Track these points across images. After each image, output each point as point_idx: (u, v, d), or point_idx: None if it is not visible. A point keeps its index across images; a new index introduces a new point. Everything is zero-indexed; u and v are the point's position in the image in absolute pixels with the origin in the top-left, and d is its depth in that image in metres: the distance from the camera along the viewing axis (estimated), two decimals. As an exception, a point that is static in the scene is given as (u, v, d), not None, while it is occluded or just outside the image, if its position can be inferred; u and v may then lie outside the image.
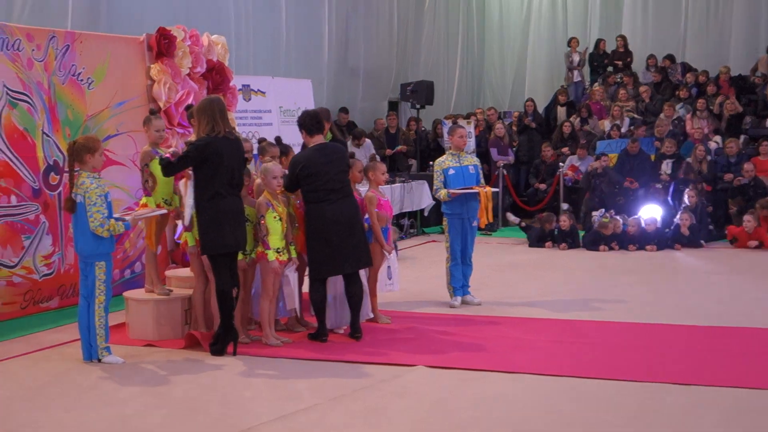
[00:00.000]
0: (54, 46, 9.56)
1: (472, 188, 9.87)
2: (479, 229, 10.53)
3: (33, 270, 9.25)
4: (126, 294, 8.81)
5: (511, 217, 16.54)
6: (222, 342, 7.89)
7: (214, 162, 7.72)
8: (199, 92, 11.06)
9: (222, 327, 7.90)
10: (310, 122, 8.51)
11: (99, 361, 7.60)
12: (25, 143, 9.25)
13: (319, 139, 8.52)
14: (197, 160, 7.76)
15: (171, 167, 7.96)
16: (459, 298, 10.08)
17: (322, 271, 8.38)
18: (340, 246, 8.29)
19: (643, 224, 14.41)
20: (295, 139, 12.18)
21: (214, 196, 7.74)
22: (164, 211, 8.32)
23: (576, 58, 21.89)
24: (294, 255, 8.34)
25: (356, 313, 8.53)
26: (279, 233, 8.11)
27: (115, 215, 7.67)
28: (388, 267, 9.15)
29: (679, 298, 10.46)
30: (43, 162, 9.44)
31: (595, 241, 14.32)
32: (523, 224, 15.70)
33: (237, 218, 7.83)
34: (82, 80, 9.89)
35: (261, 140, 9.02)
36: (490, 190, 10.04)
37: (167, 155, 7.95)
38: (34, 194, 9.30)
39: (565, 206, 16.30)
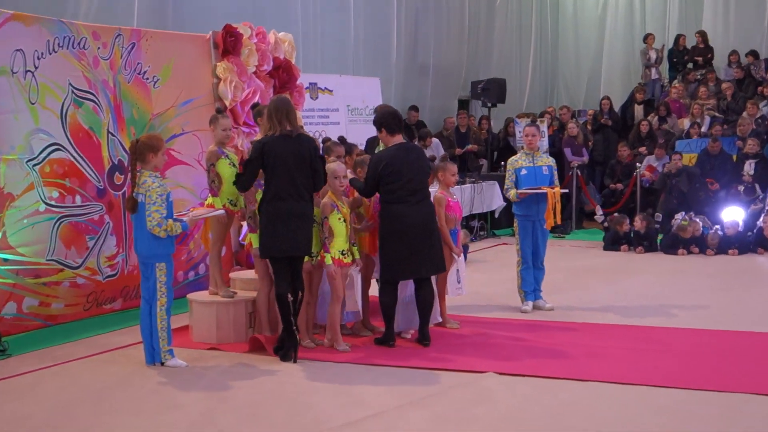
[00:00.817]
0: (120, 44, 9.65)
1: (540, 188, 9.76)
2: (551, 231, 10.41)
3: (97, 271, 9.35)
4: (190, 296, 8.86)
5: (599, 211, 16.33)
6: (286, 346, 7.89)
7: (270, 162, 7.74)
8: (266, 90, 11.09)
9: (283, 331, 7.91)
10: (391, 120, 8.42)
11: (162, 364, 7.64)
12: (90, 142, 9.35)
13: (399, 138, 8.44)
14: (259, 161, 7.79)
15: (241, 177, 8.05)
16: (530, 303, 9.97)
17: (397, 273, 8.33)
18: (418, 249, 8.23)
19: (720, 231, 14.13)
20: (361, 139, 12.20)
21: (273, 198, 7.77)
22: (221, 211, 8.32)
23: (653, 55, 21.57)
24: (357, 256, 8.32)
25: (425, 320, 8.47)
26: (343, 235, 8.09)
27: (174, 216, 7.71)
28: (457, 270, 9.08)
29: (762, 304, 10.23)
30: (108, 161, 9.54)
31: (674, 244, 14.09)
32: (606, 224, 15.50)
33: (297, 221, 7.77)
34: (147, 79, 9.98)
35: (325, 140, 9.02)
36: (558, 190, 9.89)
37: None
38: (99, 194, 9.40)
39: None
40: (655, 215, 15.46)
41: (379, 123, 8.48)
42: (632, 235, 14.52)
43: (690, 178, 15.73)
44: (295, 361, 7.79)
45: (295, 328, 7.80)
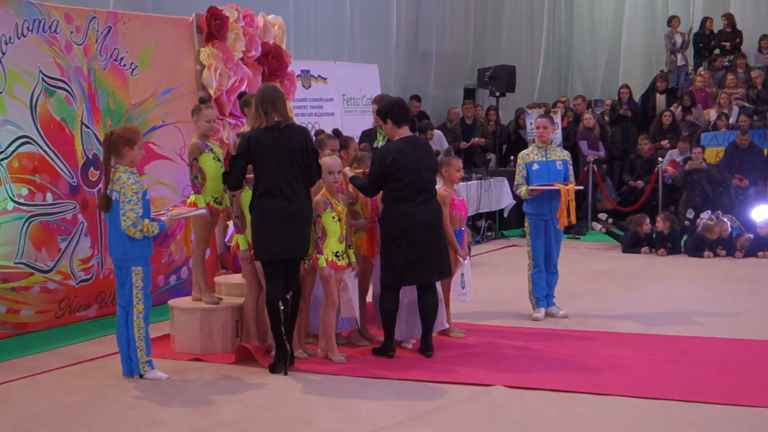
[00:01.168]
0: (95, 27, 9.64)
1: (553, 185, 9.74)
2: (565, 231, 10.39)
3: (69, 275, 9.33)
4: (171, 302, 8.85)
5: (597, 226, 16.32)
6: (276, 357, 7.88)
7: (258, 156, 7.74)
8: (254, 78, 11.08)
9: (274, 341, 7.91)
10: (398, 110, 8.38)
11: (140, 377, 7.63)
12: (62, 135, 9.34)
13: (406, 131, 8.42)
14: (246, 156, 7.79)
15: (228, 176, 8.06)
16: (542, 310, 9.96)
17: (401, 278, 8.30)
18: (424, 252, 8.21)
19: (751, 234, 14.12)
20: (357, 131, 12.18)
21: (262, 196, 7.77)
22: (203, 210, 8.31)
23: (678, 39, 21.57)
24: (353, 259, 8.31)
25: (429, 328, 8.45)
26: (337, 235, 8.07)
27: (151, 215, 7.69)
28: (462, 274, 9.07)
29: (796, 311, 10.25)
30: (82, 156, 9.52)
31: (699, 246, 14.08)
32: (610, 221, 15.50)
33: (289, 220, 7.75)
34: (125, 65, 9.97)
35: (318, 132, 8.98)
36: (573, 187, 9.87)
37: None
38: (72, 191, 9.38)
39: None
40: (687, 211, 15.41)
41: (384, 113, 8.45)
42: (654, 236, 14.49)
43: (711, 181, 15.71)
44: (285, 373, 7.78)
45: (285, 337, 7.79)
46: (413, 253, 8.18)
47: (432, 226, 8.29)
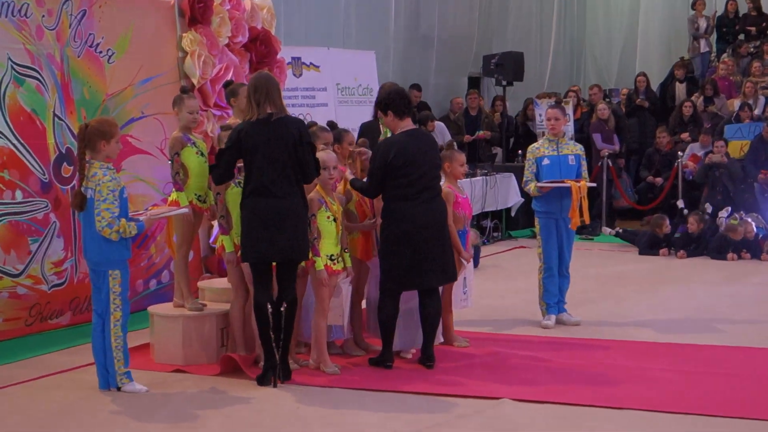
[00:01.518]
0: (68, 11, 9.62)
1: (563, 181, 9.72)
2: (577, 232, 10.36)
3: (41, 279, 9.31)
4: (151, 309, 8.84)
5: (607, 230, 16.33)
6: (264, 368, 7.87)
7: (249, 151, 7.73)
8: (240, 66, 11.08)
9: (263, 351, 7.90)
10: (399, 101, 8.35)
11: (118, 389, 7.62)
12: (33, 127, 9.32)
13: (408, 123, 8.39)
14: (234, 151, 7.78)
15: (215, 170, 8.05)
16: (553, 317, 9.96)
17: (402, 283, 8.29)
18: (428, 255, 8.19)
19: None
20: (353, 123, 12.18)
21: (251, 194, 7.76)
22: (185, 210, 8.28)
23: (703, 23, 21.54)
24: (349, 264, 8.29)
25: (430, 337, 8.44)
26: (333, 237, 8.05)
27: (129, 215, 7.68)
28: (464, 278, 9.05)
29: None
30: (55, 150, 9.51)
31: (722, 247, 14.06)
32: (620, 230, 15.55)
33: (280, 220, 7.72)
34: (101, 52, 9.95)
35: (311, 124, 8.97)
36: (585, 183, 9.84)
37: None
38: (43, 189, 9.37)
39: (680, 204, 15.93)
40: (704, 208, 15.40)
41: (384, 104, 8.40)
42: (678, 236, 14.42)
43: (732, 178, 15.69)
44: (275, 386, 7.77)
45: (274, 345, 7.78)
46: (416, 256, 8.16)
47: (436, 226, 8.27)
